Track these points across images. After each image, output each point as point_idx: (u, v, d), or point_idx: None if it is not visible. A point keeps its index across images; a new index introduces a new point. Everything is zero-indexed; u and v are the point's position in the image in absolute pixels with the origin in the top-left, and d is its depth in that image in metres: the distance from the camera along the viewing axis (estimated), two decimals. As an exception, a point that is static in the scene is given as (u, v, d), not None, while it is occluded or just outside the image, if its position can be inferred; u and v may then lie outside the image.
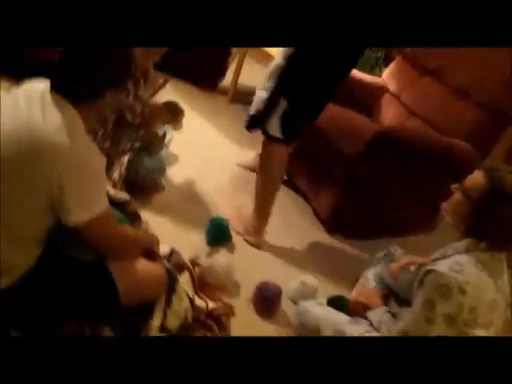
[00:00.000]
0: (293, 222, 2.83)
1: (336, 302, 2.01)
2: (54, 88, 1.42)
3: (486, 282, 1.64)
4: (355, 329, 1.84)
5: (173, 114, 2.50)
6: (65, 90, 1.41)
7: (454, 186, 1.78)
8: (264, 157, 2.41)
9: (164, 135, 2.65)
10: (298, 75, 2.19)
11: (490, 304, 1.66)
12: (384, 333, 1.80)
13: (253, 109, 2.37)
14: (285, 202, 2.91)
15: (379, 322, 1.86)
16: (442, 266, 1.65)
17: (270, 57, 3.58)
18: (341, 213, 2.75)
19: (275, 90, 2.24)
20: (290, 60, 2.17)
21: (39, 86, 1.44)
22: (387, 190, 2.71)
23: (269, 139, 2.34)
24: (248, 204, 2.59)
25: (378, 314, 1.91)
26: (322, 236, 2.80)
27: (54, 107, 1.38)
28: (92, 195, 1.43)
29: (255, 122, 2.36)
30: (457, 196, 1.75)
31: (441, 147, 2.67)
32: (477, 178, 1.69)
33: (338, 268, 2.58)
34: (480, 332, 1.66)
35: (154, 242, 1.88)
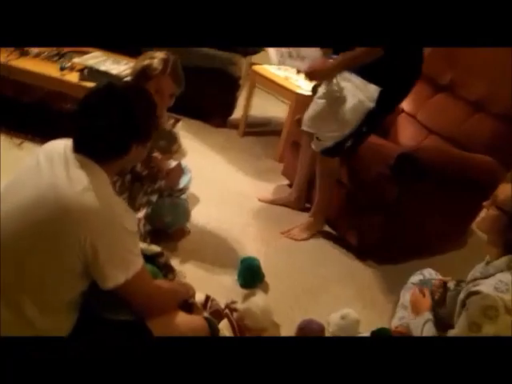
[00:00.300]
0: (324, 251, 2.78)
1: (380, 335, 1.95)
2: (78, 149, 1.38)
3: None
4: None
5: (168, 142, 2.40)
6: (90, 150, 1.37)
7: (485, 203, 1.76)
8: (320, 165, 2.70)
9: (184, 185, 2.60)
10: (383, 115, 2.57)
11: None
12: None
13: (328, 140, 2.58)
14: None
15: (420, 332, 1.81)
16: (487, 287, 1.62)
17: (276, 86, 3.59)
18: (371, 238, 2.70)
19: (360, 128, 2.51)
20: (380, 102, 2.41)
21: (60, 146, 1.40)
22: (415, 212, 2.67)
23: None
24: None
25: (420, 323, 1.86)
26: (354, 264, 2.75)
27: (79, 167, 1.35)
28: (127, 255, 1.38)
29: (333, 152, 2.61)
30: (491, 212, 1.72)
31: (465, 164, 2.64)
32: (506, 189, 1.68)
33: (376, 295, 2.52)
34: None
35: (190, 292, 1.83)
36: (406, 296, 2.24)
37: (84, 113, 1.37)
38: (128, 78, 2.20)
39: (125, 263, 1.38)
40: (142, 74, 2.10)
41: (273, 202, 3.08)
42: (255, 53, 3.92)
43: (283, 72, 3.69)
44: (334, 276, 2.60)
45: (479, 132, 2.81)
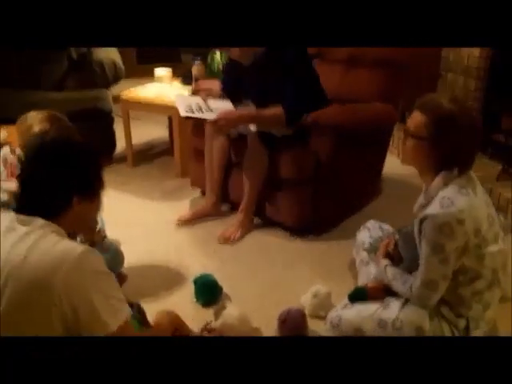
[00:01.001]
0: (264, 242, 2.76)
1: (358, 296, 1.95)
2: (22, 209, 1.30)
3: (475, 203, 1.68)
4: (392, 311, 1.81)
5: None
6: (33, 207, 1.30)
7: (402, 138, 1.80)
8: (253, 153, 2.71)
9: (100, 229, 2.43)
10: None
11: (487, 219, 1.71)
12: (399, 288, 1.81)
13: None
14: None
15: (390, 279, 1.86)
16: (433, 208, 1.67)
17: (152, 106, 3.50)
18: (306, 213, 2.73)
19: None
20: None
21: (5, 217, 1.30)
22: (338, 175, 2.74)
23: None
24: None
25: (382, 272, 1.91)
26: (297, 244, 2.75)
27: (25, 227, 1.27)
28: (110, 302, 1.27)
29: None
30: (408, 143, 1.76)
31: (361, 114, 2.78)
32: (416, 117, 1.72)
33: (329, 266, 2.54)
34: (493, 247, 1.71)
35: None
36: (361, 253, 2.27)
37: (23, 173, 1.34)
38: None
39: (112, 311, 1.26)
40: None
41: (193, 218, 2.98)
42: (115, 82, 3.78)
43: (153, 89, 3.61)
44: (287, 262, 2.59)
45: (360, 84, 2.95)
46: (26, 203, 1.31)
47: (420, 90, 1.97)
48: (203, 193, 3.17)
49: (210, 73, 3.75)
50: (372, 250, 2.22)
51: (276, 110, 2.64)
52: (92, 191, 1.38)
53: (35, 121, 1.95)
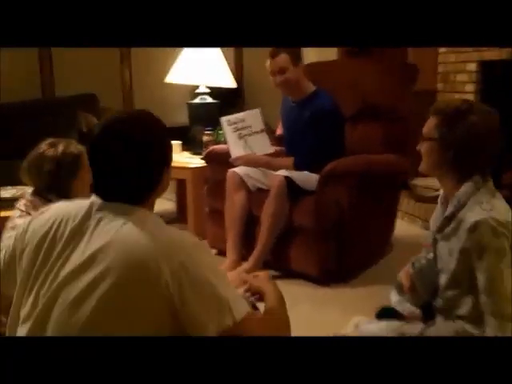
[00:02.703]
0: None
1: (385, 313, 1.91)
2: (111, 198, 1.20)
3: (507, 207, 1.63)
4: (416, 327, 1.74)
5: None
6: (127, 195, 1.20)
7: (418, 146, 1.73)
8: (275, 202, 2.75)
9: None
10: None
11: None
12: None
13: None
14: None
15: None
16: (475, 214, 1.56)
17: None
18: (330, 262, 2.75)
19: None
20: None
21: (81, 204, 1.21)
22: (358, 222, 2.80)
23: None
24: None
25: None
26: (324, 290, 2.75)
27: (125, 215, 1.16)
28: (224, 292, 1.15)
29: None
30: (423, 148, 1.70)
31: (374, 162, 2.91)
32: (429, 121, 1.68)
33: (363, 309, 2.51)
34: None
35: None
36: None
37: (106, 160, 1.19)
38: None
39: (225, 303, 1.14)
40: (74, 163, 1.91)
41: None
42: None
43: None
44: (315, 307, 2.57)
45: (369, 137, 3.10)
46: (117, 189, 1.20)
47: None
48: (220, 253, 3.16)
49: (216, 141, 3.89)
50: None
51: (287, 163, 2.79)
52: (171, 157, 1.30)
53: (62, 145, 1.91)
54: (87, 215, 1.18)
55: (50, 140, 1.91)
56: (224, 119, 2.97)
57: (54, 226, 1.20)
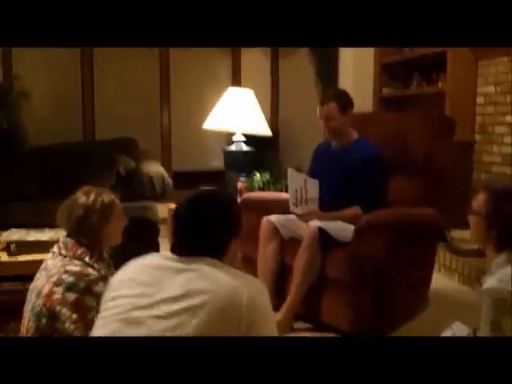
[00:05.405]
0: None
1: None
2: (188, 252, 1.45)
3: None
4: None
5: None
6: (202, 250, 1.45)
7: (469, 216, 1.88)
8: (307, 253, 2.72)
9: None
10: None
11: None
12: None
13: None
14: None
15: None
16: (491, 282, 1.68)
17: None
18: (363, 317, 2.68)
19: None
20: None
21: (153, 259, 1.49)
22: (393, 277, 2.74)
23: None
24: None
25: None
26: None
27: (208, 266, 1.41)
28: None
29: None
30: (472, 221, 1.85)
31: (413, 215, 2.85)
32: (480, 195, 1.82)
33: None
34: None
35: None
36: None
37: (192, 220, 1.50)
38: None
39: None
40: (103, 211, 1.99)
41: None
42: (162, 196, 3.93)
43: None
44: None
45: (405, 191, 3.06)
46: (194, 252, 1.45)
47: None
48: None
49: (250, 187, 3.94)
50: None
51: (354, 212, 2.81)
52: (240, 230, 1.57)
53: (93, 194, 2.00)
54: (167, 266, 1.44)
55: (85, 188, 2.02)
56: (291, 170, 2.99)
57: None
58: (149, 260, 1.50)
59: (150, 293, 1.38)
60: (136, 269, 1.48)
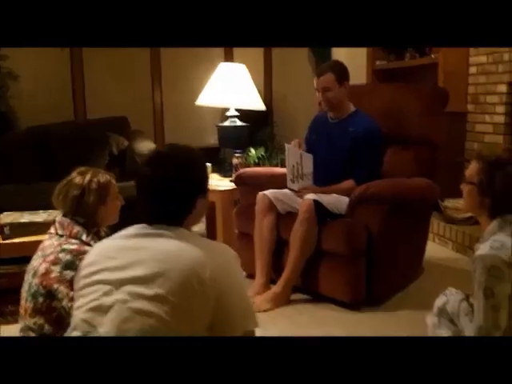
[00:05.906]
0: (317, 316, 2.70)
1: None
2: (155, 221, 1.41)
3: None
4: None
5: None
6: (168, 217, 1.42)
7: (462, 184, 1.90)
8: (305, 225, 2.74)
9: None
10: None
11: None
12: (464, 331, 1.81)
13: None
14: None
15: (457, 316, 1.87)
16: (483, 249, 1.71)
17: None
18: (359, 287, 2.72)
19: None
20: None
21: (129, 230, 1.43)
22: (388, 247, 2.77)
23: None
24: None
25: (455, 304, 1.92)
26: (354, 314, 2.71)
27: (171, 234, 1.38)
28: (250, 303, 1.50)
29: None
30: (465, 189, 1.87)
31: (408, 185, 2.88)
32: (472, 165, 1.85)
33: (397, 333, 2.48)
34: None
35: None
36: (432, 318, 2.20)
37: (151, 189, 1.43)
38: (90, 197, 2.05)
39: (250, 310, 1.46)
40: (99, 190, 1.99)
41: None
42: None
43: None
44: (348, 332, 2.50)
45: (399, 162, 3.08)
46: (157, 213, 1.42)
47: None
48: (249, 276, 3.15)
49: (245, 163, 3.93)
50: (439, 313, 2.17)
51: (349, 185, 2.84)
52: (207, 188, 1.53)
53: (89, 174, 2.01)
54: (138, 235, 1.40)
55: (80, 169, 2.03)
56: (289, 146, 2.99)
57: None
58: (116, 237, 1.46)
59: (117, 275, 1.35)
60: (104, 248, 1.45)
